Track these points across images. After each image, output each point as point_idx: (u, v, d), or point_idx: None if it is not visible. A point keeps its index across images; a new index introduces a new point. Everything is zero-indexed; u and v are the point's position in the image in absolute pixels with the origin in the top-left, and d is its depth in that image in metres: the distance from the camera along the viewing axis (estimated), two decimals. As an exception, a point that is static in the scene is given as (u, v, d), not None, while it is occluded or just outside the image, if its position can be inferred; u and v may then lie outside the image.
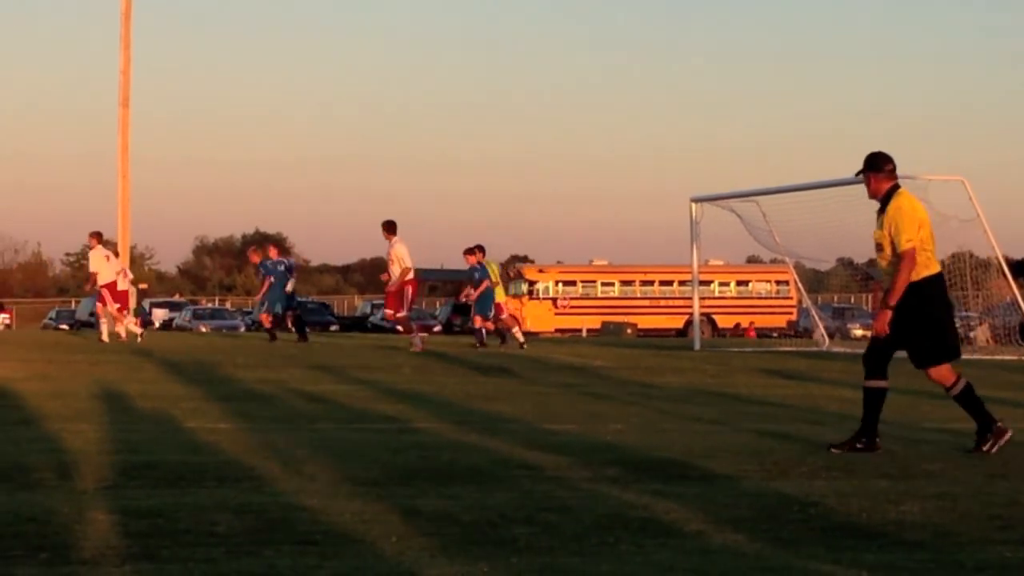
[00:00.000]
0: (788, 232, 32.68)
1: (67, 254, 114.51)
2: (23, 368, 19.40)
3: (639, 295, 63.08)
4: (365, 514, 7.74)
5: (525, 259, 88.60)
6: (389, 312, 27.28)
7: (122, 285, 29.93)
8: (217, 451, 10.55)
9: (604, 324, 56.64)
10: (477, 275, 30.29)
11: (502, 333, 31.82)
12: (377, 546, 6.91)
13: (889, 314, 10.98)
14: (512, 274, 67.09)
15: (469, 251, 30.40)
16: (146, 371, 19.82)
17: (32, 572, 6.13)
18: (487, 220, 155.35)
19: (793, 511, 8.12)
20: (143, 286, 45.36)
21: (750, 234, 33.57)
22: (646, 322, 56.10)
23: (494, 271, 30.81)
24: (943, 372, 11.12)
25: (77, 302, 75.07)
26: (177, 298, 78.61)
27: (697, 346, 32.06)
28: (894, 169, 11.33)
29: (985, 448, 10.93)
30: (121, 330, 29.59)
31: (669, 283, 61.15)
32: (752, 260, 74.21)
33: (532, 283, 62.38)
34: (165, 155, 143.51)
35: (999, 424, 11.05)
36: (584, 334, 56.00)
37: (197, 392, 16.09)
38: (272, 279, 31.12)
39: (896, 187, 11.29)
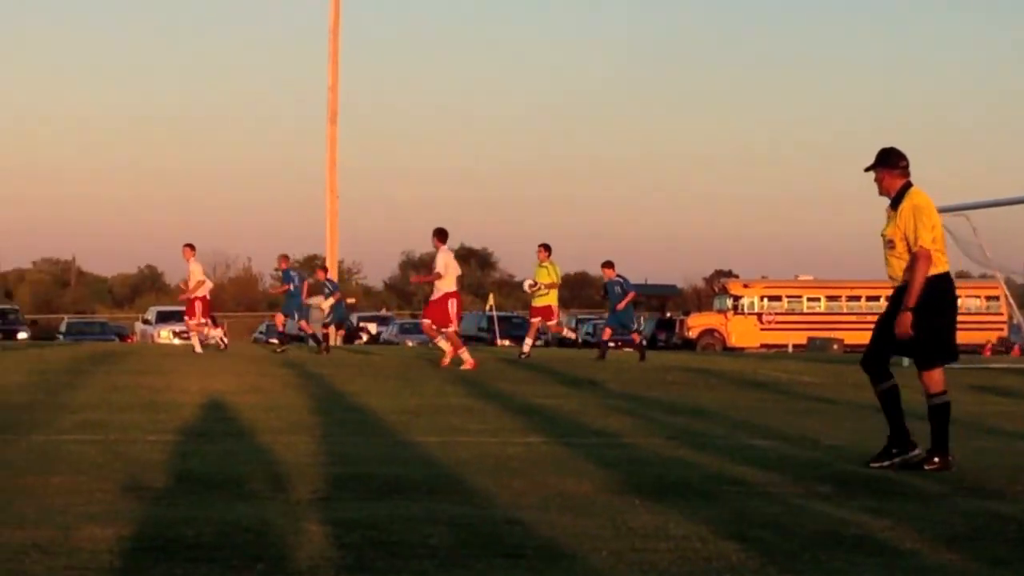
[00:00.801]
0: (999, 246, 31.99)
1: (276, 269, 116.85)
2: (236, 381, 19.78)
3: (845, 310, 62.28)
4: (575, 528, 7.74)
5: (730, 274, 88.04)
6: (425, 323, 25.96)
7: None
8: (428, 464, 10.64)
9: (810, 340, 56.04)
10: (618, 289, 30.01)
11: (642, 349, 30.74)
12: (588, 561, 6.90)
13: (910, 316, 10.83)
14: (717, 289, 66.73)
15: (607, 264, 30.29)
16: (357, 384, 20.07)
17: (250, 581, 6.24)
18: (690, 233, 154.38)
19: (1010, 530, 7.94)
20: (351, 301, 46.04)
21: (960, 248, 32.89)
22: (852, 338, 55.26)
23: (555, 273, 29.75)
24: (936, 377, 10.97)
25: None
26: (384, 312, 79.56)
27: (906, 363, 31.47)
28: (907, 166, 11.17)
29: (891, 461, 10.79)
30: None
31: (876, 299, 60.23)
32: (961, 275, 72.81)
33: (737, 298, 62.01)
34: (372, 171, 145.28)
35: (919, 450, 10.87)
36: (790, 350, 55.45)
37: (406, 405, 16.24)
38: (291, 287, 32.87)
39: (909, 184, 11.12)
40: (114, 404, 15.50)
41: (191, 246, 30.51)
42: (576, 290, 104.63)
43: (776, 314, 61.70)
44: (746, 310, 61.56)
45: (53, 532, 7.27)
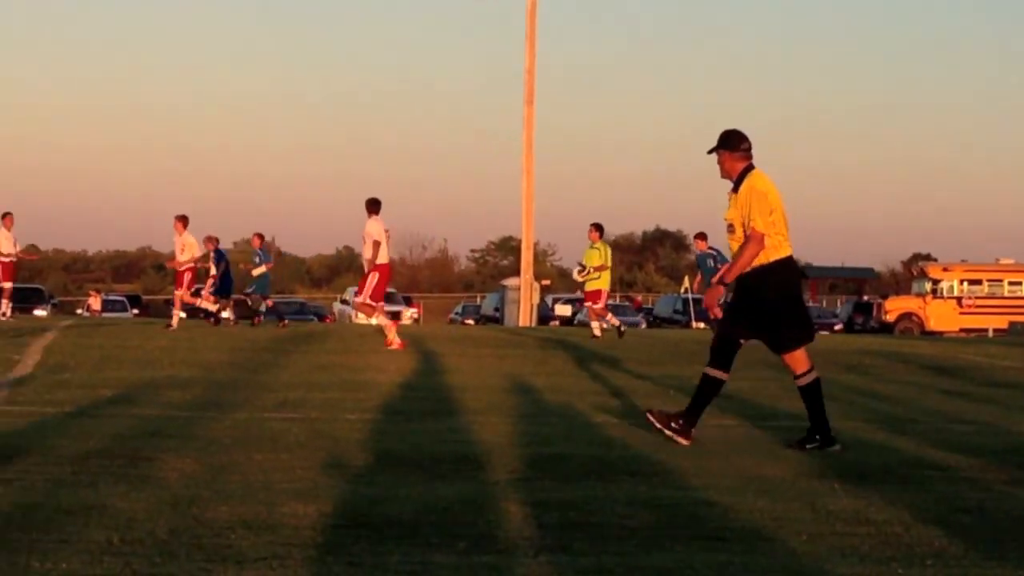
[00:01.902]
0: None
1: (472, 250, 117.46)
2: (433, 361, 19.97)
3: (1048, 294, 60.82)
4: (774, 511, 7.69)
5: (928, 257, 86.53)
6: (356, 299, 24.47)
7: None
8: (626, 445, 10.64)
9: (1011, 324, 54.82)
10: (711, 262, 28.71)
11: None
12: (788, 544, 6.85)
13: (721, 290, 10.65)
14: (915, 272, 65.58)
15: (700, 236, 29.45)
16: (552, 364, 20.15)
17: (450, 560, 6.29)
18: (887, 215, 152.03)
19: None
20: (545, 283, 46.22)
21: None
22: (1056, 322, 53.87)
23: (607, 254, 28.88)
24: (797, 358, 10.73)
25: (482, 297, 76.88)
26: (579, 294, 79.62)
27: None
28: (749, 148, 10.92)
29: (809, 446, 10.55)
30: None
31: (1079, 282, 58.72)
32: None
33: (936, 281, 60.90)
34: (567, 152, 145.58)
35: (833, 441, 10.64)
36: (990, 334, 54.33)
37: (604, 387, 16.26)
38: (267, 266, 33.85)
39: (750, 167, 10.85)
40: (314, 383, 15.76)
41: (183, 218, 30.45)
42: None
43: (976, 298, 60.47)
44: (945, 294, 60.44)
45: (257, 508, 7.41)
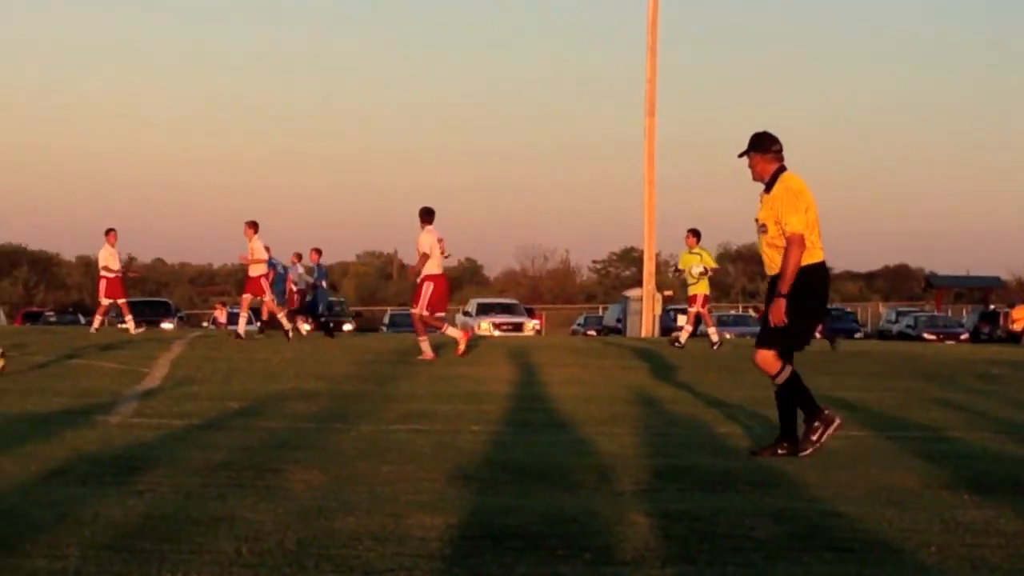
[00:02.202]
0: None
1: (594, 261, 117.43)
2: (557, 372, 19.99)
3: None
4: (902, 523, 7.60)
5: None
6: (413, 311, 23.88)
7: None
8: (751, 456, 10.58)
9: None
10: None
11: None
12: (916, 556, 6.77)
13: (784, 303, 10.42)
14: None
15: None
16: (676, 376, 20.07)
17: (576, 571, 6.29)
18: (1013, 223, 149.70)
19: None
20: (668, 293, 45.93)
21: None
22: None
23: (707, 259, 28.70)
24: (768, 359, 10.57)
25: (604, 308, 76.78)
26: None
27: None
28: (780, 150, 10.75)
29: (815, 438, 10.53)
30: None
31: None
32: None
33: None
34: (689, 162, 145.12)
35: (827, 411, 10.63)
36: None
37: (727, 397, 16.17)
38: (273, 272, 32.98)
39: (782, 168, 10.67)
40: (438, 394, 15.83)
41: (253, 224, 30.56)
42: (896, 283, 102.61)
43: None
44: None
45: (384, 520, 7.46)
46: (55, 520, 7.22)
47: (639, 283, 52.07)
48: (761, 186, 10.83)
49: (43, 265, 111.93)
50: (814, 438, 10.62)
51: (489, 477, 9.25)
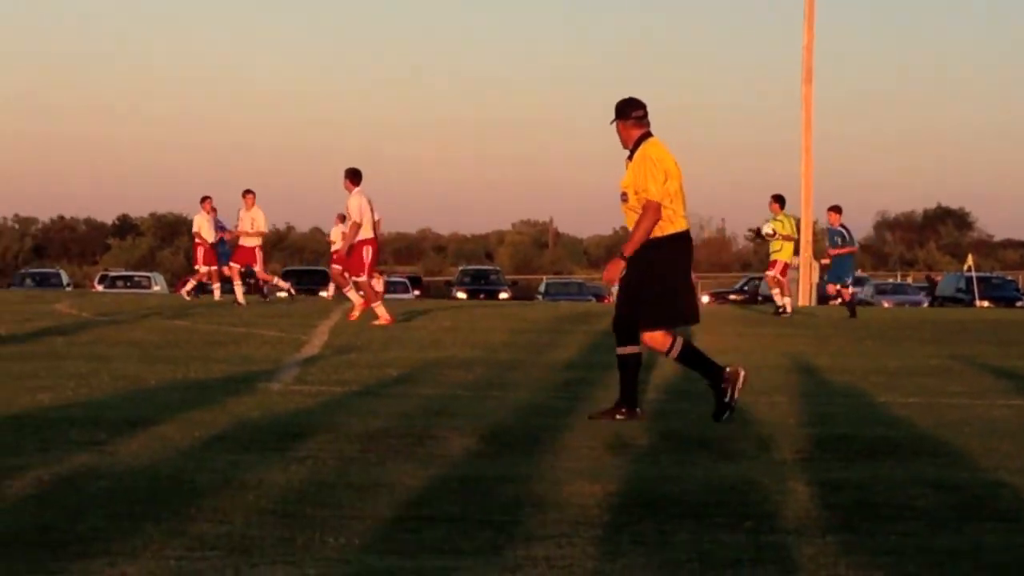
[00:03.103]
0: None
1: (750, 229, 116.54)
2: (714, 341, 19.87)
3: None
4: (1070, 494, 7.48)
5: None
6: (335, 269, 23.70)
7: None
8: (911, 425, 10.47)
9: None
10: (838, 239, 27.58)
11: (851, 307, 27.85)
12: (1085, 527, 6.66)
13: (621, 264, 10.15)
14: None
15: (833, 209, 27.83)
16: (833, 343, 19.90)
17: (737, 540, 6.27)
18: None
19: None
20: (825, 261, 45.45)
21: None
22: None
23: (791, 226, 27.95)
24: (657, 339, 10.26)
25: (760, 278, 76.19)
26: (859, 273, 78.36)
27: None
28: (644, 116, 10.46)
29: (727, 399, 10.25)
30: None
31: None
32: None
33: None
34: (848, 129, 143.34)
35: (728, 369, 10.31)
36: None
37: (885, 366, 16.00)
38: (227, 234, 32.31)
39: (647, 135, 10.35)
40: (594, 363, 15.81)
41: (251, 192, 30.45)
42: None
43: None
44: None
45: (544, 487, 7.48)
46: (219, 485, 7.34)
47: (796, 251, 51.63)
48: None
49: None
50: (726, 399, 10.39)
51: (648, 445, 9.24)
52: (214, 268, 32.14)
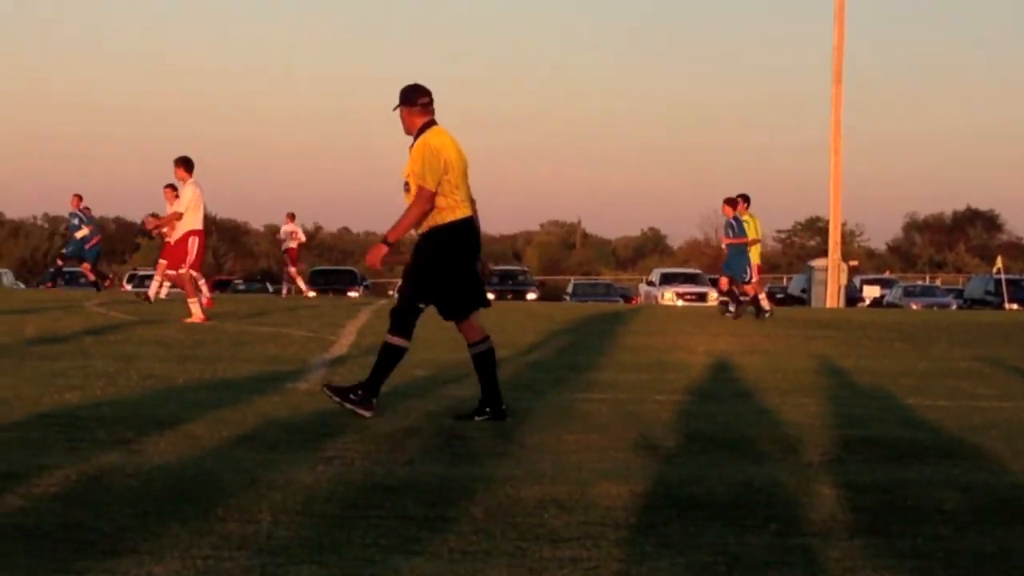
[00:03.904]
0: None
1: (778, 231, 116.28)
2: (741, 342, 19.87)
3: None
4: (1098, 497, 7.45)
5: None
6: (161, 264, 22.63)
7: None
8: (939, 428, 10.44)
9: None
10: (731, 231, 26.55)
11: (758, 305, 26.79)
12: (1113, 531, 6.63)
13: (384, 249, 10.07)
14: None
15: (728, 201, 26.57)
16: (861, 345, 19.85)
17: (763, 542, 6.26)
18: None
19: None
20: (853, 263, 45.42)
21: None
22: None
23: (756, 227, 27.00)
24: (472, 325, 10.38)
25: (789, 278, 76.05)
26: (887, 275, 78.21)
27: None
28: (429, 103, 10.33)
29: (478, 418, 10.15)
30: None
31: None
32: None
33: None
34: (876, 131, 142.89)
35: (374, 401, 10.23)
36: None
37: (913, 368, 15.97)
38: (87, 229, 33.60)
39: (431, 123, 10.25)
40: (622, 364, 15.82)
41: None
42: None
43: None
44: None
45: (569, 488, 7.49)
46: (246, 485, 7.36)
47: (824, 252, 51.54)
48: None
49: (232, 234, 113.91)
50: (340, 398, 10.31)
51: (674, 446, 9.24)
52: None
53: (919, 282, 74.78)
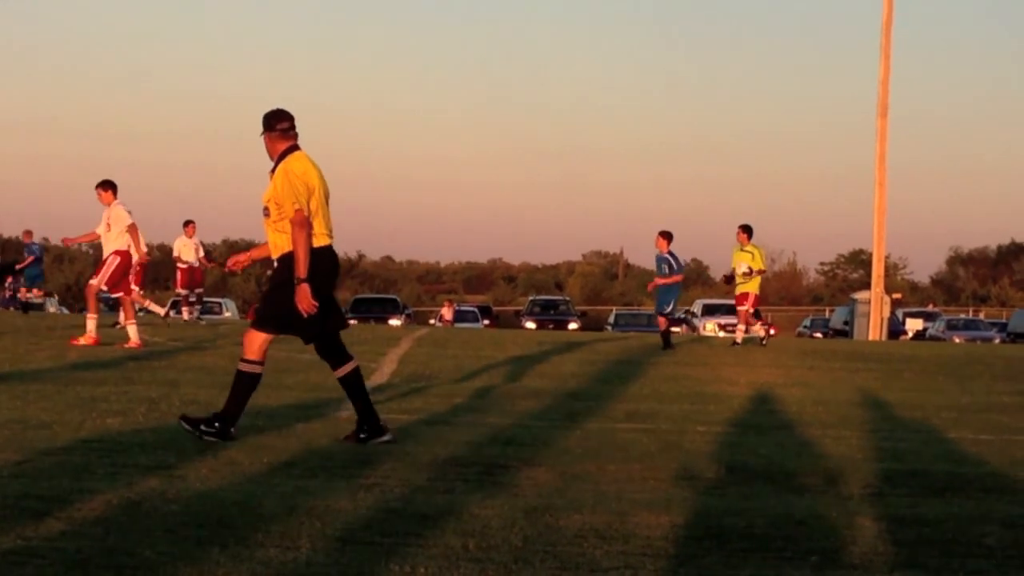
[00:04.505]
0: None
1: (821, 263, 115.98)
2: (783, 374, 19.81)
3: None
4: None
5: None
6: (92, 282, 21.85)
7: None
8: (981, 462, 10.38)
9: None
10: (666, 268, 25.98)
11: (666, 337, 26.16)
12: None
13: (307, 288, 9.99)
14: None
15: (663, 235, 26.03)
16: (904, 379, 19.74)
17: (803, 574, 6.25)
18: None
19: None
20: (896, 296, 45.24)
21: None
22: None
23: (760, 257, 26.81)
24: (254, 341, 10.26)
25: (831, 310, 75.82)
26: (930, 308, 77.88)
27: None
28: (290, 128, 10.29)
29: (363, 436, 10.31)
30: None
31: None
32: None
33: None
34: (921, 164, 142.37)
35: (233, 431, 10.19)
36: None
37: (956, 402, 15.88)
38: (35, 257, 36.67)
39: (293, 148, 10.20)
40: (663, 394, 15.80)
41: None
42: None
43: None
44: None
45: (609, 518, 7.47)
46: (286, 511, 7.38)
47: (867, 285, 51.37)
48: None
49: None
50: (204, 428, 10.26)
51: (715, 478, 9.22)
52: (189, 291, 32.69)
53: (962, 316, 74.38)
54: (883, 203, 45.17)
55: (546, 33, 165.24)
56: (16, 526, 6.77)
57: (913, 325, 62.08)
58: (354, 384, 10.68)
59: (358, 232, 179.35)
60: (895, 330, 54.33)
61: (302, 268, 10.14)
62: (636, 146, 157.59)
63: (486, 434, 11.32)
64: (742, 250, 27.04)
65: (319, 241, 10.31)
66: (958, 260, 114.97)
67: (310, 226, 10.21)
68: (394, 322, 52.43)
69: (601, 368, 20.43)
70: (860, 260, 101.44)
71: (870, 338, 44.88)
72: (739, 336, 27.48)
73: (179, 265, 33.05)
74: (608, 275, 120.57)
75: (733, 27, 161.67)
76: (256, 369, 10.50)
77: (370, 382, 16.11)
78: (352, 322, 35.29)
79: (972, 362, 25.12)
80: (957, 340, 52.73)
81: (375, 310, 57.24)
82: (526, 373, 18.83)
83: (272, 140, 10.44)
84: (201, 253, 33.46)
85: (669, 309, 26.24)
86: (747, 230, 27.00)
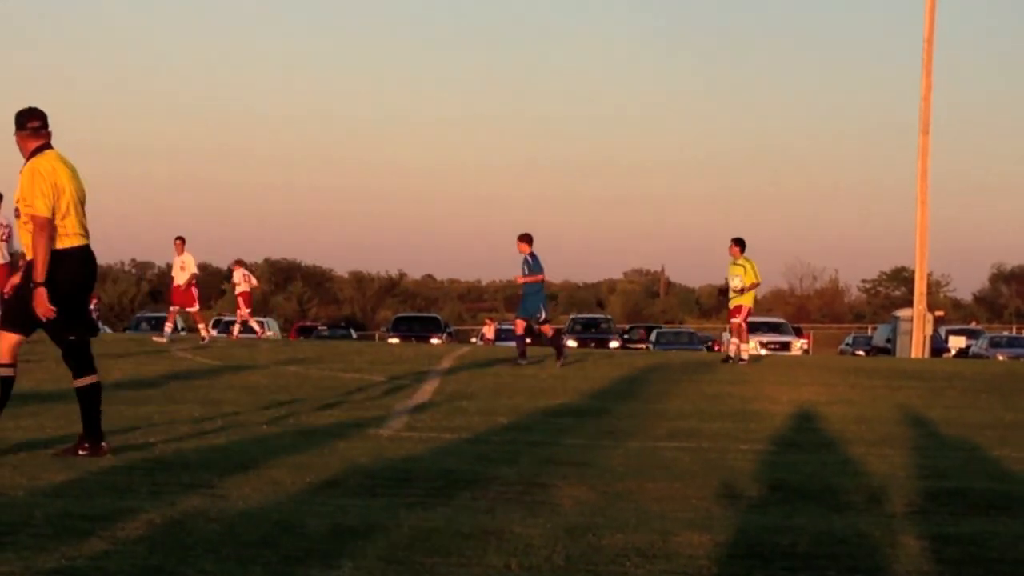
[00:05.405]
0: None
1: (863, 281, 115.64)
2: (825, 392, 19.73)
3: None
4: None
5: None
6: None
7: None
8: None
9: None
10: (526, 268, 25.40)
11: (558, 345, 26.15)
12: None
13: (43, 292, 9.74)
14: None
15: (523, 237, 25.48)
16: (946, 396, 19.65)
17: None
18: None
19: None
20: (939, 313, 45.05)
21: None
22: None
23: (753, 271, 26.59)
24: (3, 343, 9.95)
25: (873, 328, 75.54)
26: (973, 325, 77.48)
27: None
28: (41, 127, 10.09)
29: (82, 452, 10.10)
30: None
31: None
32: None
33: None
34: (963, 181, 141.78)
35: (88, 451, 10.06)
36: None
37: (1000, 419, 15.78)
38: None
39: (44, 147, 9.98)
40: (705, 413, 15.76)
41: (182, 239, 31.00)
42: None
43: None
44: None
45: (651, 537, 7.46)
46: (328, 530, 7.39)
47: (909, 303, 51.13)
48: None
49: (316, 280, 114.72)
50: (72, 455, 10.16)
51: (757, 496, 9.19)
52: (191, 309, 32.49)
53: (1005, 333, 73.90)
54: (925, 220, 44.95)
55: (588, 48, 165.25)
56: (60, 545, 6.80)
57: (956, 342, 61.73)
58: (89, 398, 10.37)
59: (399, 251, 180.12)
60: (938, 348, 54.03)
61: (40, 272, 9.93)
62: (677, 163, 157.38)
63: (527, 453, 11.31)
64: (735, 264, 26.93)
65: (71, 242, 10.13)
66: (1001, 277, 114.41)
67: (53, 228, 10.00)
68: (435, 341, 52.44)
69: (642, 386, 20.40)
70: (902, 277, 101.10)
71: (912, 356, 44.64)
72: (733, 350, 27.25)
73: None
74: (649, 293, 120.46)
75: (779, 44, 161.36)
76: (8, 372, 10.21)
77: (411, 400, 16.17)
78: (394, 340, 35.34)
79: (1016, 379, 24.98)
80: (1000, 357, 52.38)
81: (416, 328, 57.27)
82: (567, 391, 18.81)
83: (23, 139, 10.26)
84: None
85: (541, 316, 25.95)
86: (739, 243, 26.84)
